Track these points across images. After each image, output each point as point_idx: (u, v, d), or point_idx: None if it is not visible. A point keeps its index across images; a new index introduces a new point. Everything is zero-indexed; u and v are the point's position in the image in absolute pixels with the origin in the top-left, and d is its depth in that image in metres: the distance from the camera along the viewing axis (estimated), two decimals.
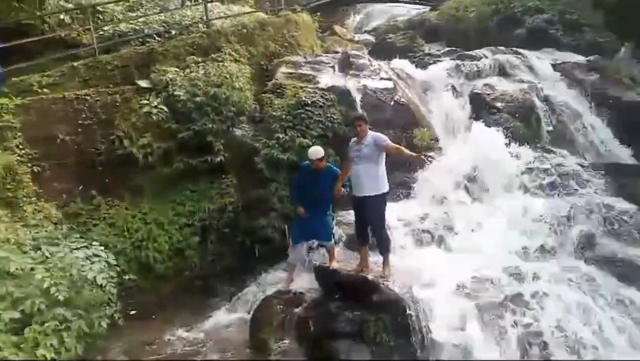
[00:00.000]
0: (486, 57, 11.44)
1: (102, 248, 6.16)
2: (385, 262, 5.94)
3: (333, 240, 6.49)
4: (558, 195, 7.66)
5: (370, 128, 5.90)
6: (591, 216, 6.99)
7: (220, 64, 8.99)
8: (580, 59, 11.46)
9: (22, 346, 4.74)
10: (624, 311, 5.63)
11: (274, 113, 8.61)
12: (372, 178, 5.66)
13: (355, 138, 5.84)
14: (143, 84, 8.50)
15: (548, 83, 10.52)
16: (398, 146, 5.88)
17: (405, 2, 19.31)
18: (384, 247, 5.96)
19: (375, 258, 6.11)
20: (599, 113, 9.84)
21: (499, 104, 9.56)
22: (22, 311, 4.93)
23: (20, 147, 7.16)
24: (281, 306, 6.07)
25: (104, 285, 5.62)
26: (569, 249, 6.64)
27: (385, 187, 5.77)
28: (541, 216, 7.11)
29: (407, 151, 5.87)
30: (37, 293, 5.10)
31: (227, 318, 6.79)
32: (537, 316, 5.52)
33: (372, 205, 5.71)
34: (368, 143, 5.67)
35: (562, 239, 6.80)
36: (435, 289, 6.05)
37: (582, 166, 8.30)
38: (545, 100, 9.89)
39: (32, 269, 5.27)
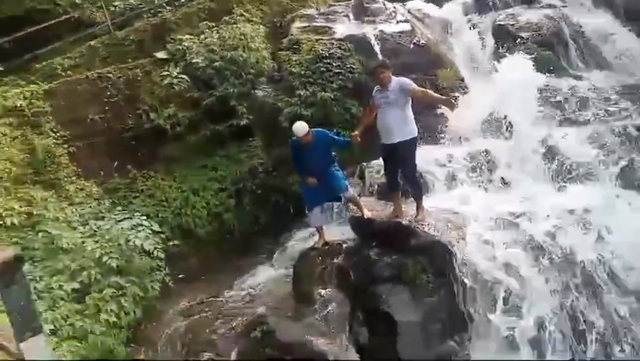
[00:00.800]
0: None
1: (145, 218, 6.43)
2: (419, 206, 5.98)
3: (350, 189, 6.40)
4: (591, 122, 7.41)
5: (392, 74, 5.77)
6: (627, 142, 6.78)
7: (234, 25, 8.93)
8: None
9: (85, 312, 5.11)
10: None
11: (292, 70, 8.54)
12: (401, 124, 5.58)
13: (378, 87, 5.75)
14: (161, 55, 8.56)
15: (575, 6, 9.95)
16: (424, 89, 5.76)
17: None
18: (416, 192, 5.98)
19: (409, 205, 6.16)
20: (633, 31, 9.28)
21: (524, 34, 9.15)
22: (80, 282, 5.28)
23: (54, 130, 7.42)
24: (320, 258, 6.25)
25: (151, 251, 5.92)
26: (607, 177, 6.49)
27: (414, 132, 5.70)
28: (573, 146, 6.93)
29: (433, 94, 5.75)
30: (91, 265, 5.44)
31: (270, 273, 7.06)
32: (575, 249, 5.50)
33: (403, 150, 5.66)
34: (393, 89, 5.56)
35: (599, 167, 6.64)
36: (470, 228, 6.08)
37: (615, 90, 7.96)
38: (574, 24, 9.40)
39: (83, 243, 5.59)
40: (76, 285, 5.26)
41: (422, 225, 5.83)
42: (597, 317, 5.18)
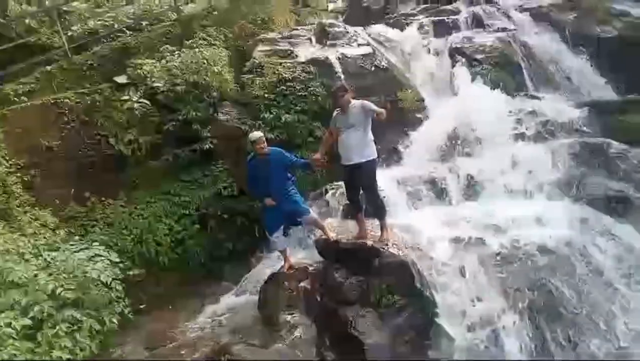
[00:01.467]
0: (461, 11, 11.34)
1: (103, 247, 6.18)
2: (383, 227, 6.01)
3: (312, 212, 6.35)
4: (545, 139, 7.71)
5: (354, 97, 5.84)
6: (579, 156, 7.06)
7: (196, 50, 8.90)
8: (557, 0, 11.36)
9: (37, 350, 4.82)
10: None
11: (256, 93, 8.57)
12: (361, 146, 5.64)
13: (339, 110, 5.81)
14: (121, 79, 8.43)
15: (526, 29, 10.46)
16: (382, 110, 5.75)
17: None
18: (379, 213, 6.01)
19: (373, 224, 6.19)
20: (579, 52, 9.80)
21: (479, 56, 9.51)
22: (32, 318, 4.99)
23: (7, 158, 7.12)
24: (286, 282, 6.17)
25: (109, 282, 5.67)
26: (560, 190, 6.73)
27: (374, 153, 5.76)
28: (530, 161, 7.17)
29: (386, 109, 5.69)
30: (44, 298, 5.15)
31: (235, 299, 6.91)
32: (536, 260, 5.63)
33: (363, 172, 5.71)
34: (353, 112, 5.64)
35: (552, 180, 6.88)
36: (434, 246, 6.14)
37: (566, 107, 8.32)
38: (525, 47, 9.85)
39: (35, 276, 5.30)
40: (27, 322, 4.96)
41: (387, 245, 5.85)
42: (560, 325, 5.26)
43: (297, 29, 10.93)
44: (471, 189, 7.27)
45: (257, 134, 5.99)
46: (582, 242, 5.75)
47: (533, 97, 8.88)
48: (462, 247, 6.08)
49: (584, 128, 7.80)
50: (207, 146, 8.16)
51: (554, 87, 9.30)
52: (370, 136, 5.73)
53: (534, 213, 6.36)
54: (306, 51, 9.46)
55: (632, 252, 5.66)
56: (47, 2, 9.81)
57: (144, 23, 9.92)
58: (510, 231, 6.17)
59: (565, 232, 5.90)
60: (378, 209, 6.00)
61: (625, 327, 5.11)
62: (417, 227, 6.52)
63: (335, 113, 5.87)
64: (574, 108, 8.32)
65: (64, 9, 9.76)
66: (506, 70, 9.27)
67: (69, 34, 9.25)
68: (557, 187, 6.65)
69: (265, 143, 5.93)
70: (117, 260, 6.17)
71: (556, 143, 7.55)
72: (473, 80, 8.93)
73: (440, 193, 7.31)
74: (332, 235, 6.19)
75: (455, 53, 9.77)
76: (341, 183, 6.89)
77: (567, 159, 6.98)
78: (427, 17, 11.65)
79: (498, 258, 5.81)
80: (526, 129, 8.02)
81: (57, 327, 5.02)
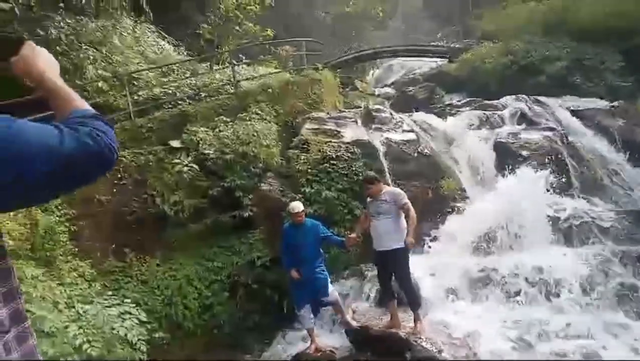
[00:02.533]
0: (507, 106, 11.57)
1: (134, 305, 6.24)
2: (417, 317, 5.81)
3: (336, 292, 6.27)
4: (591, 243, 7.42)
5: (393, 181, 5.92)
6: (627, 266, 6.71)
7: (248, 122, 9.38)
8: (603, 104, 11.46)
9: None
10: None
11: (299, 167, 8.82)
12: (393, 232, 5.65)
13: (369, 198, 5.92)
14: (175, 143, 8.90)
15: (572, 130, 10.49)
16: (413, 216, 5.64)
17: (423, 56, 19.94)
18: (413, 302, 5.84)
19: (406, 314, 5.98)
20: (628, 158, 9.67)
21: (524, 152, 9.51)
22: None
23: (59, 207, 7.48)
24: None
25: (134, 342, 5.65)
26: (607, 301, 6.33)
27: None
28: (574, 266, 6.85)
29: (413, 221, 5.63)
30: (70, 351, 5.16)
31: None
32: None
33: (395, 258, 5.66)
34: (386, 199, 5.71)
35: (598, 290, 6.50)
36: (472, 344, 5.82)
37: (614, 213, 8.06)
38: (572, 147, 9.82)
39: (66, 327, 5.35)
40: None
41: (421, 338, 5.60)
42: None
43: (344, 111, 11.40)
44: (507, 289, 6.95)
45: (297, 205, 6.13)
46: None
47: (578, 198, 8.69)
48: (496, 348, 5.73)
49: (633, 237, 7.48)
50: (247, 214, 8.32)
51: (602, 191, 9.09)
52: (403, 222, 5.73)
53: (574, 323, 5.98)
54: (352, 132, 9.77)
55: None
56: (120, 69, 10.70)
57: (203, 94, 10.64)
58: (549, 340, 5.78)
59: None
60: (411, 298, 5.84)
61: None
62: (451, 321, 6.24)
63: (368, 198, 5.96)
64: (621, 214, 8.06)
65: (134, 75, 10.64)
66: (551, 169, 9.18)
67: (135, 98, 10.01)
68: (609, 301, 6.26)
69: (304, 215, 6.03)
70: (145, 319, 6.18)
71: (599, 248, 7.24)
72: (519, 175, 8.82)
73: (477, 289, 7.02)
74: (350, 320, 5.99)
75: (500, 147, 9.83)
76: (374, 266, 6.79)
77: (618, 267, 6.63)
78: (471, 109, 11.93)
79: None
80: (568, 232, 7.74)
81: None
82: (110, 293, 6.71)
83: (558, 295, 6.53)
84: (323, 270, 6.16)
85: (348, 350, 6.04)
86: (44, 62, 1.44)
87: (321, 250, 6.21)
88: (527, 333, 5.86)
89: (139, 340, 5.74)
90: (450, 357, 5.34)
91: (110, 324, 5.69)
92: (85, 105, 1.37)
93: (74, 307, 5.93)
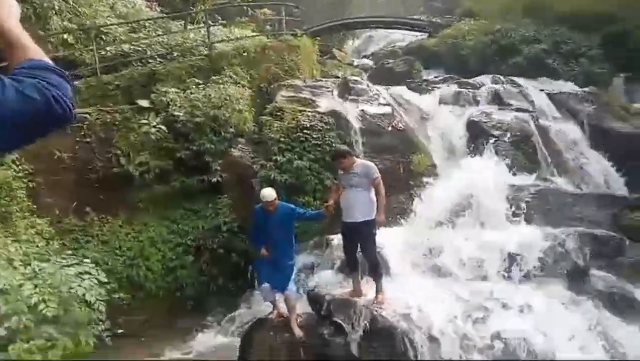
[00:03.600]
0: (483, 85, 11.63)
1: (93, 265, 6.11)
2: (378, 288, 5.88)
3: (294, 289, 6.05)
4: (552, 225, 7.61)
5: (365, 154, 5.90)
6: (583, 248, 6.93)
7: (221, 86, 9.11)
8: (576, 89, 11.64)
9: None
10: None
11: (272, 135, 8.68)
12: (363, 204, 5.64)
13: (341, 171, 5.88)
14: (143, 103, 8.60)
15: (544, 112, 10.65)
16: (382, 193, 5.66)
17: (404, 29, 19.71)
18: (376, 273, 5.90)
19: (367, 285, 6.05)
20: (595, 143, 9.91)
21: (496, 132, 9.62)
22: (7, 328, 4.86)
23: (17, 162, 7.18)
24: (272, 330, 5.98)
25: (92, 302, 5.56)
26: (560, 279, 6.55)
27: (375, 213, 5.75)
28: (533, 246, 7.03)
29: (382, 199, 5.65)
30: (24, 310, 5.04)
31: (217, 340, 6.71)
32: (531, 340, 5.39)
33: (363, 230, 5.68)
34: (358, 172, 5.68)
35: (553, 270, 6.71)
36: (428, 316, 5.94)
37: (576, 196, 8.30)
38: (542, 129, 9.98)
39: (20, 285, 5.22)
40: (2, 332, 4.83)
41: (381, 308, 5.69)
42: None
43: (321, 80, 11.21)
44: (468, 265, 7.10)
45: (269, 193, 5.78)
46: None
47: (544, 180, 8.88)
48: (453, 322, 5.86)
49: (591, 219, 7.72)
50: (216, 179, 8.19)
51: (567, 174, 9.31)
52: (373, 196, 5.73)
53: (525, 302, 6.15)
54: (327, 102, 9.64)
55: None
56: (87, 22, 10.17)
57: (175, 54, 10.25)
58: (497, 317, 5.92)
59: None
60: (374, 269, 5.89)
61: None
62: (413, 292, 6.35)
63: (340, 171, 5.93)
64: (582, 196, 8.30)
65: (102, 29, 10.14)
66: (521, 150, 9.33)
67: (102, 53, 9.56)
68: (557, 277, 6.46)
69: (276, 201, 5.81)
70: (105, 280, 6.09)
71: (560, 231, 7.43)
72: (487, 155, 8.95)
73: (438, 262, 7.15)
74: (296, 330, 5.80)
75: (472, 125, 9.91)
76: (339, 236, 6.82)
77: (572, 249, 6.83)
78: (449, 86, 11.93)
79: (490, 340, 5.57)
80: (528, 209, 7.92)
81: (31, 342, 4.88)
82: (69, 252, 6.56)
83: (516, 271, 6.72)
84: (291, 261, 6.01)
85: (309, 317, 6.09)
86: (3, 7, 1.29)
87: (294, 238, 6.04)
88: (481, 307, 6.01)
89: (97, 300, 5.66)
90: (406, 327, 5.45)
91: (68, 283, 5.57)
92: (41, 56, 1.26)
93: (29, 265, 5.77)
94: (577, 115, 10.56)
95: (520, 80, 12.01)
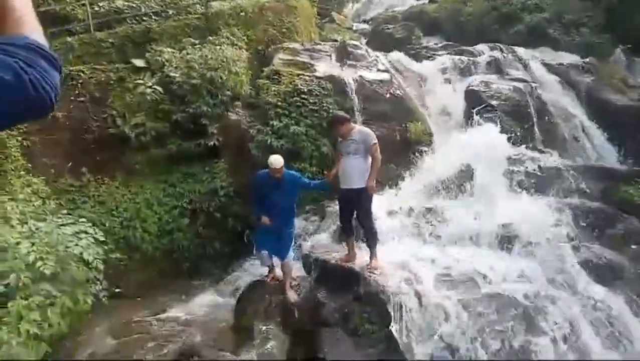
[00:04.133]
0: (483, 54, 11.48)
1: (90, 225, 6.13)
2: (372, 254, 5.98)
3: (292, 256, 6.18)
4: (545, 196, 7.70)
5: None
6: (576, 219, 7.05)
7: (218, 47, 8.93)
8: (576, 59, 11.53)
9: (5, 319, 4.72)
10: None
11: (269, 99, 8.58)
12: (359, 171, 5.66)
13: (340, 138, 5.86)
14: (138, 63, 8.43)
15: (543, 83, 10.57)
16: (378, 158, 5.67)
17: None
18: (370, 239, 5.99)
19: (362, 251, 6.15)
20: (592, 116, 9.91)
21: (494, 102, 9.56)
22: (6, 285, 4.90)
23: None
24: (267, 292, 6.11)
25: (90, 261, 5.60)
26: (552, 250, 6.68)
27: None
28: (526, 216, 7.14)
29: (377, 166, 5.66)
30: (21, 268, 5.07)
31: (213, 300, 6.83)
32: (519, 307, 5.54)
33: (359, 197, 5.72)
34: (355, 139, 5.67)
35: (545, 239, 6.83)
36: (420, 281, 6.08)
37: (571, 168, 8.35)
38: (540, 100, 9.94)
39: (17, 243, 5.23)
40: (1, 288, 4.88)
41: (374, 274, 5.81)
42: None
43: (319, 44, 11.00)
44: (462, 234, 7.20)
45: (278, 160, 5.71)
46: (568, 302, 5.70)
47: (540, 151, 8.92)
48: (446, 287, 6.01)
49: (584, 191, 7.80)
50: (213, 142, 8.15)
51: (562, 146, 9.34)
52: (370, 162, 5.74)
53: (519, 267, 6.29)
54: (325, 67, 9.50)
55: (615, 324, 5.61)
56: None
57: (170, 11, 9.98)
58: (492, 282, 6.07)
59: (551, 291, 5.85)
60: (370, 236, 5.98)
61: None
62: (406, 258, 6.47)
63: (339, 138, 5.91)
64: (577, 169, 8.36)
65: None
66: (518, 120, 9.32)
67: (95, 9, 9.28)
68: (548, 245, 6.59)
69: (283, 169, 5.78)
70: (102, 239, 6.11)
71: (552, 200, 7.53)
72: (484, 124, 8.93)
73: (433, 229, 7.26)
74: (291, 294, 5.99)
75: (471, 94, 9.84)
76: (336, 202, 6.87)
77: (566, 219, 6.95)
78: (448, 53, 11.78)
79: (479, 304, 5.72)
80: (524, 181, 7.99)
81: (30, 299, 4.93)
82: (65, 212, 6.56)
83: (508, 241, 6.84)
84: (291, 230, 6.08)
85: (304, 281, 6.21)
86: None
87: (294, 206, 6.07)
88: (475, 274, 6.14)
89: (95, 258, 5.69)
90: (399, 293, 5.58)
91: (65, 242, 5.59)
92: (37, 36, 1.11)
93: (26, 223, 5.77)
94: (576, 86, 10.49)
95: (520, 50, 11.86)
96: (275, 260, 6.19)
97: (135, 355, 5.42)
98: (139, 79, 8.17)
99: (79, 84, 7.81)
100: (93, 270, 5.75)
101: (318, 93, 8.71)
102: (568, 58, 11.68)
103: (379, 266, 5.92)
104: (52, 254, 5.36)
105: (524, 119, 9.44)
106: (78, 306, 5.47)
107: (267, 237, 5.99)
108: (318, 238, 7.16)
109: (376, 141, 5.70)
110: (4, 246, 5.19)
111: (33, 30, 1.12)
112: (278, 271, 6.33)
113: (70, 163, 7.51)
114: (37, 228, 5.64)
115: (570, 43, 12.51)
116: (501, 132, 8.74)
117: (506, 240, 6.76)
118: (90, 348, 5.65)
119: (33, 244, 5.36)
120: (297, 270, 6.40)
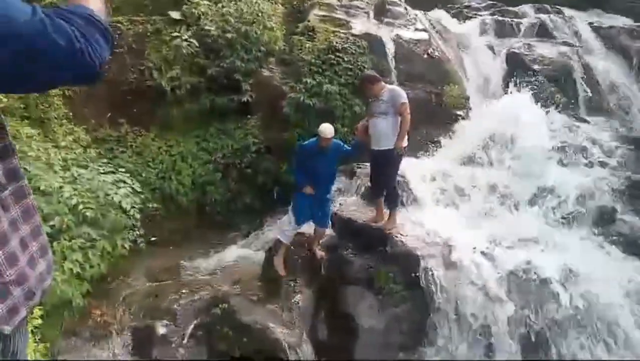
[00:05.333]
0: (528, 15, 10.92)
1: (128, 175, 6.34)
2: (391, 215, 5.97)
3: (328, 224, 6.16)
4: (585, 165, 7.46)
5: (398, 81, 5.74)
6: (614, 191, 6.83)
7: (253, 1, 8.78)
8: (629, 22, 10.82)
9: None
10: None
11: (303, 56, 8.46)
12: (390, 132, 5.57)
13: (371, 99, 5.76)
14: (175, 15, 8.41)
15: (590, 48, 10.03)
16: (407, 118, 5.50)
17: None
18: (391, 201, 5.98)
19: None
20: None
21: (536, 66, 9.17)
22: (52, 227, 5.19)
23: None
24: (295, 248, 6.25)
25: (128, 209, 5.83)
26: (588, 222, 6.54)
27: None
28: (564, 186, 6.96)
29: (405, 128, 5.53)
30: (65, 211, 5.33)
31: (243, 253, 7.05)
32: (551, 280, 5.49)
33: (386, 157, 5.67)
34: (385, 99, 5.56)
35: (583, 211, 6.67)
36: (448, 244, 6.08)
37: (614, 138, 8.02)
38: (585, 66, 9.46)
39: (61, 187, 5.47)
40: (47, 229, 5.17)
41: (401, 235, 5.85)
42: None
43: (356, 0, 10.66)
44: (496, 200, 7.11)
45: (329, 129, 5.54)
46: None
47: (582, 120, 8.57)
48: (478, 255, 5.96)
49: (627, 162, 7.51)
50: (246, 99, 8.17)
51: (608, 115, 8.94)
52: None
53: (555, 241, 6.20)
54: (362, 25, 9.25)
55: None
56: None
57: None
58: (525, 253, 5.98)
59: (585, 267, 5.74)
60: (391, 197, 5.96)
61: None
62: (434, 224, 6.47)
63: (370, 98, 5.82)
64: (621, 139, 8.02)
65: None
66: (561, 87, 8.93)
67: None
68: (587, 221, 6.44)
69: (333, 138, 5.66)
70: (139, 189, 6.33)
71: (594, 173, 7.28)
72: (524, 90, 8.58)
73: (464, 196, 7.18)
74: (318, 252, 6.07)
75: (512, 58, 9.45)
76: (366, 164, 6.86)
77: (606, 193, 6.73)
78: (491, 14, 11.26)
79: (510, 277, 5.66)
80: (564, 151, 7.73)
81: (73, 241, 5.22)
82: (104, 160, 6.78)
83: (545, 210, 6.72)
84: (331, 196, 6.08)
85: (332, 238, 6.32)
86: None
87: (335, 173, 6.06)
88: (506, 240, 6.10)
89: (132, 207, 5.92)
90: (425, 254, 5.62)
91: (105, 190, 5.82)
92: (94, 6, 1.17)
93: (69, 170, 6.02)
94: (625, 51, 9.91)
95: (568, 11, 11.22)
96: (307, 225, 6.25)
97: (169, 298, 5.71)
98: (175, 31, 8.17)
99: (117, 35, 7.87)
100: (131, 217, 5.99)
101: (353, 52, 8.53)
102: (620, 21, 10.98)
103: (394, 227, 5.93)
104: (93, 200, 5.61)
105: (568, 86, 9.05)
106: (116, 251, 5.76)
107: (307, 205, 5.87)
108: (347, 198, 7.21)
109: (405, 100, 5.56)
110: (49, 190, 5.44)
111: (96, 7, 1.20)
112: (309, 231, 6.44)
113: (109, 114, 7.70)
114: (79, 175, 5.88)
115: (624, 5, 11.72)
116: (542, 98, 8.40)
117: (541, 209, 6.64)
118: (128, 290, 5.98)
119: (75, 189, 5.60)
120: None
